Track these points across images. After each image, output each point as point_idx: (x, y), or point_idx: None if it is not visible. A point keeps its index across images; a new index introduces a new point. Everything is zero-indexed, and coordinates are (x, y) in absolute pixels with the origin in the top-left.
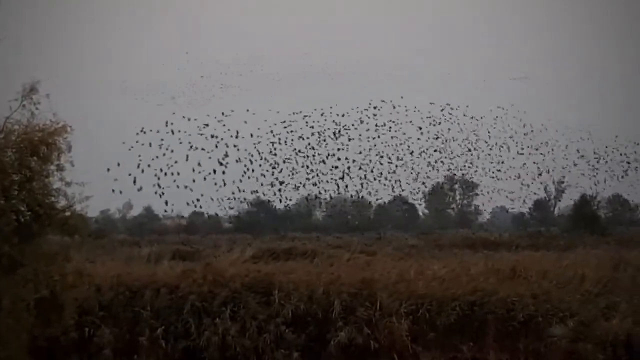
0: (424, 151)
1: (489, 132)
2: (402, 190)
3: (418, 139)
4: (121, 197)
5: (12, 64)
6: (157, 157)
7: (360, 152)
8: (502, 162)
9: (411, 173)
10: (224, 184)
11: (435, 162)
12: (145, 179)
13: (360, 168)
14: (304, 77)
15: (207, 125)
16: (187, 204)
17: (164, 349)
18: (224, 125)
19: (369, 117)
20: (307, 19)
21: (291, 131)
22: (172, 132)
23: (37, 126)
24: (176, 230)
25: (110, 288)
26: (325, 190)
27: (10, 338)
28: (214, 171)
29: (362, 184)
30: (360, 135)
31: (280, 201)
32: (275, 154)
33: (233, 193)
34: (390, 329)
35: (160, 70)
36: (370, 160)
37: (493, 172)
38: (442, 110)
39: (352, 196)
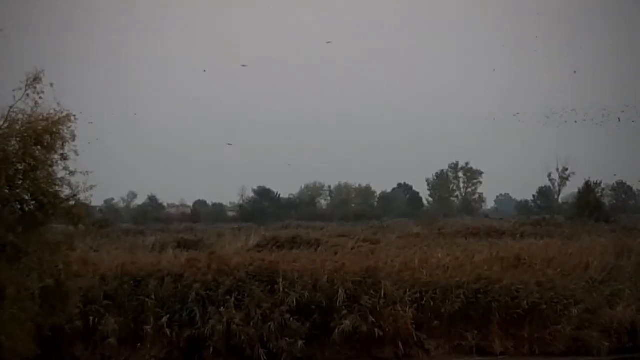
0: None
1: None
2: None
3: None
4: (126, 186)
5: (15, 53)
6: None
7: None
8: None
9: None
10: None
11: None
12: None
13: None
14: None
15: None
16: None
17: (169, 338)
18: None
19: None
20: None
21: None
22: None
23: (41, 115)
24: (180, 219)
25: (114, 277)
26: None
27: (15, 327)
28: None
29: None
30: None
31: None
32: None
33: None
34: (394, 317)
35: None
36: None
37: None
38: None
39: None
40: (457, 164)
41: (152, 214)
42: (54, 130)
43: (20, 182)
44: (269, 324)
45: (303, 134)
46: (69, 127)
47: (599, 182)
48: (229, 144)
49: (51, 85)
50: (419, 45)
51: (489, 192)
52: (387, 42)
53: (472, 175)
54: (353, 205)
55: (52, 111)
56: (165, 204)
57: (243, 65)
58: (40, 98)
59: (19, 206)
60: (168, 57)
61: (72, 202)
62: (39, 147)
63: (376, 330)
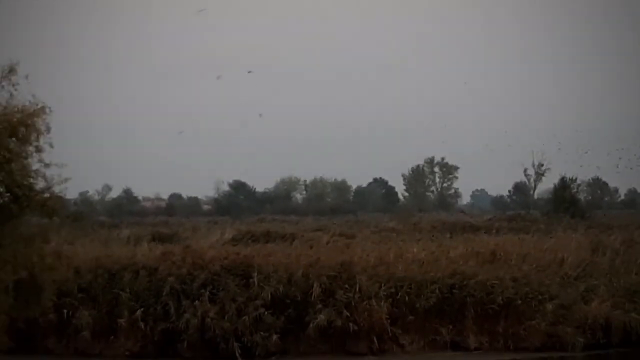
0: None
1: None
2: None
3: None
4: (100, 179)
5: None
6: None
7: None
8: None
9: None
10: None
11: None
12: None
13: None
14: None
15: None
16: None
17: (143, 331)
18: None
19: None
20: None
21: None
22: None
23: (16, 107)
24: (155, 212)
25: (89, 270)
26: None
27: None
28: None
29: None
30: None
31: None
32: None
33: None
34: (369, 312)
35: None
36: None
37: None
38: None
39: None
40: (432, 159)
41: (127, 207)
42: (29, 122)
43: None
44: (244, 317)
45: (279, 128)
46: (44, 119)
47: (574, 178)
48: (180, 132)
49: (26, 77)
50: (398, 44)
51: (465, 187)
52: (366, 38)
53: (448, 170)
54: (328, 199)
55: (27, 103)
56: (140, 197)
57: (217, 77)
58: (16, 90)
59: None
60: (143, 51)
61: (46, 195)
62: (13, 139)
63: (351, 324)
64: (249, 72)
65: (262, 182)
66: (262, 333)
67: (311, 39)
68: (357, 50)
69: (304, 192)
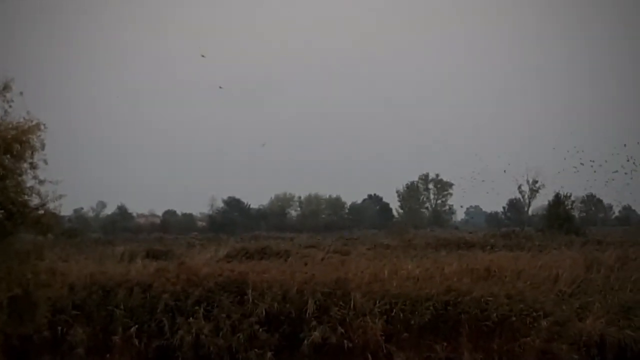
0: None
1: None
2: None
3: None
4: (95, 196)
5: None
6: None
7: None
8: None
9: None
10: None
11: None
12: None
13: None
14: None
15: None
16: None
17: (137, 348)
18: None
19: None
20: None
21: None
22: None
23: (11, 124)
24: (150, 228)
25: (83, 287)
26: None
27: None
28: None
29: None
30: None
31: None
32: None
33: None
34: (364, 329)
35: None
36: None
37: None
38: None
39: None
40: (427, 176)
41: (121, 223)
42: (24, 139)
43: None
44: (238, 334)
45: (274, 145)
46: (39, 136)
47: (568, 194)
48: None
49: (21, 93)
50: (394, 55)
51: (459, 203)
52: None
53: (443, 186)
54: (323, 216)
55: (21, 120)
56: (134, 214)
57: (220, 87)
58: (10, 106)
59: None
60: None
61: (41, 212)
62: (8, 155)
63: (345, 341)
64: (220, 87)
65: (256, 198)
66: (256, 350)
67: (307, 56)
68: (354, 68)
69: (299, 209)
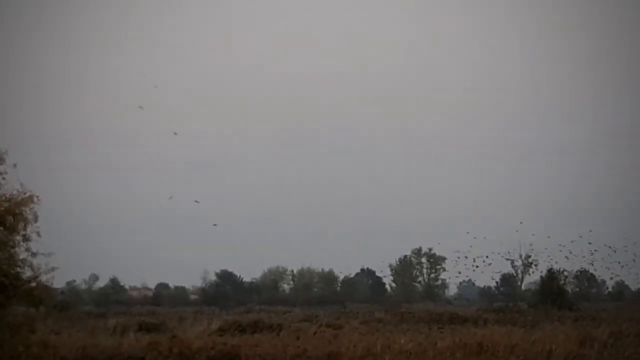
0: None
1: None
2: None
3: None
4: (87, 268)
5: None
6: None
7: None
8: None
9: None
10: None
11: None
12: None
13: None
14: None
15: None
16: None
17: None
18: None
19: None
20: None
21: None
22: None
23: (4, 196)
24: (142, 301)
25: None
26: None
27: None
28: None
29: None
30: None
31: None
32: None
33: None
34: None
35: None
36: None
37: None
38: None
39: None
40: (420, 250)
41: (113, 296)
42: (17, 211)
43: None
44: None
45: (265, 218)
46: (32, 208)
47: (561, 269)
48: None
49: (14, 165)
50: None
51: (452, 278)
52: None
53: (435, 261)
54: (316, 289)
55: (15, 192)
56: (127, 287)
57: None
58: (4, 178)
59: None
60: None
61: (33, 284)
62: (1, 228)
63: None
64: (175, 133)
65: (249, 271)
66: None
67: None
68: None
69: (291, 282)
